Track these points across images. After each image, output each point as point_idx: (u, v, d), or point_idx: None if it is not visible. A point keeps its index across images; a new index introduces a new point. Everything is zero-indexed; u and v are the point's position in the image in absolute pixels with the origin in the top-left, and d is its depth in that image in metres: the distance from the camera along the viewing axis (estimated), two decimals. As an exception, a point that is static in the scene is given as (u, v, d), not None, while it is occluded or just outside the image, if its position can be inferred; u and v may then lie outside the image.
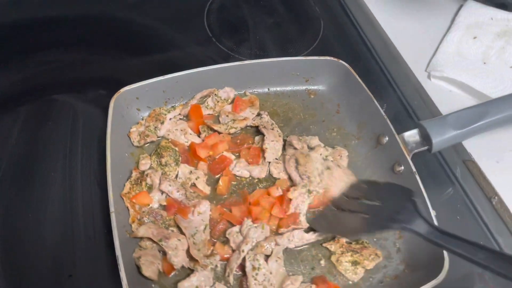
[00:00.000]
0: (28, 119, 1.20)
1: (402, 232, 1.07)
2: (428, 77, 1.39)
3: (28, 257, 0.98)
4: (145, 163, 1.11)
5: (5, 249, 0.98)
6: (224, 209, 1.06)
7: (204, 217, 1.03)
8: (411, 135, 1.14)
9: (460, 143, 1.25)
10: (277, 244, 1.01)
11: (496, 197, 1.17)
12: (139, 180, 1.07)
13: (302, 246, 1.04)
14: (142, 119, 1.18)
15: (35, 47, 1.37)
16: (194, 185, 1.10)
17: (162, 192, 1.07)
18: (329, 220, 0.90)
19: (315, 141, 1.21)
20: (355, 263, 1.01)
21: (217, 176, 1.13)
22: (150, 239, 0.98)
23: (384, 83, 1.40)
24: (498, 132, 1.24)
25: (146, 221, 1.02)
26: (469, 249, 0.72)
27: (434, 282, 0.92)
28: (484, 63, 1.40)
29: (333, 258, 1.02)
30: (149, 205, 1.05)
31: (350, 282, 1.01)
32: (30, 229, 1.02)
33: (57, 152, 1.15)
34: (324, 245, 1.04)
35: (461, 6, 1.57)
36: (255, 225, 1.03)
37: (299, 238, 1.03)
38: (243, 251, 0.98)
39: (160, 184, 1.06)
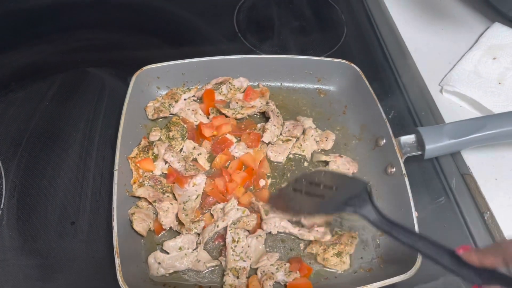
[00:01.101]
0: (62, 86, 1.34)
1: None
2: (441, 91, 1.41)
3: (39, 204, 1.11)
4: (155, 135, 1.22)
5: (21, 196, 1.11)
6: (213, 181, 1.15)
7: (198, 188, 1.12)
8: (407, 139, 1.18)
9: (461, 157, 1.26)
10: (261, 228, 1.08)
11: (488, 212, 1.17)
12: (146, 148, 1.17)
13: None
14: (160, 97, 1.30)
15: (76, 26, 1.53)
16: (195, 160, 1.19)
17: (166, 162, 1.17)
18: (286, 199, 0.95)
19: (309, 122, 1.27)
20: (339, 254, 1.06)
21: (217, 155, 1.22)
22: (146, 200, 1.08)
23: (395, 91, 1.44)
24: (501, 149, 1.25)
25: (146, 184, 1.12)
26: (410, 237, 0.79)
27: (403, 276, 0.96)
28: (499, 83, 1.40)
29: (319, 259, 1.06)
30: (152, 171, 1.15)
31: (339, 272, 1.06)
32: (47, 179, 1.15)
33: (82, 117, 1.28)
34: (307, 251, 1.08)
35: (487, 28, 1.58)
36: (238, 207, 1.10)
37: (283, 227, 1.09)
38: (217, 226, 1.06)
39: (164, 154, 1.16)
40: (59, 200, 1.12)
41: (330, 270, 1.06)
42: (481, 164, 1.25)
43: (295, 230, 1.08)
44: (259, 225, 1.08)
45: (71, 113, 1.29)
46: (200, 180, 1.12)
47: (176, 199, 1.10)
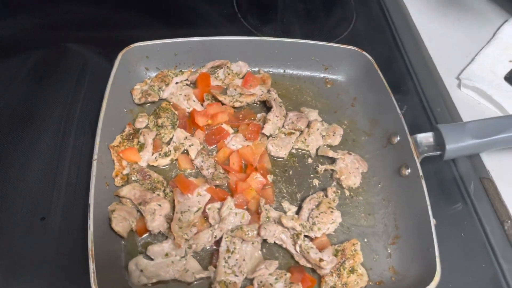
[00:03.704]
0: (38, 63, 1.20)
1: (396, 238, 1.00)
2: (458, 86, 1.29)
3: (5, 196, 0.97)
4: (142, 121, 1.08)
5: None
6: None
7: (202, 200, 0.97)
8: (425, 137, 1.06)
9: (479, 159, 1.15)
10: (258, 234, 0.95)
11: (509, 222, 1.06)
12: (131, 136, 1.04)
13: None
14: (149, 79, 1.15)
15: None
16: (186, 152, 1.06)
17: (153, 153, 1.04)
18: None
19: (314, 114, 1.15)
20: (353, 270, 0.93)
21: (211, 147, 1.09)
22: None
23: (408, 84, 1.33)
24: (524, 153, 1.14)
25: (133, 179, 0.98)
26: None
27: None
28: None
29: (339, 286, 0.92)
30: (136, 162, 1.01)
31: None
32: (15, 168, 1.01)
33: (59, 98, 1.14)
34: None
35: (505, 22, 1.46)
36: (236, 210, 0.96)
37: (281, 240, 0.95)
38: (215, 237, 0.93)
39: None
40: (29, 191, 0.98)
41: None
42: (502, 168, 1.14)
43: (292, 249, 0.95)
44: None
45: (47, 93, 1.14)
46: (206, 192, 0.98)
47: (167, 199, 0.96)
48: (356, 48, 1.22)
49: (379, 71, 1.17)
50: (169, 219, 0.93)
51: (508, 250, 1.03)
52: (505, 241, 1.04)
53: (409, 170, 1.03)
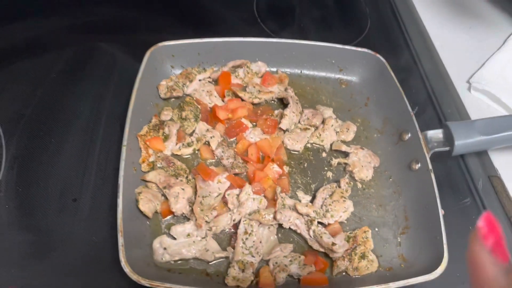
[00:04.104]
0: (71, 59, 1.28)
1: (405, 229, 1.04)
2: (468, 89, 1.34)
3: (40, 178, 1.04)
4: (167, 114, 1.15)
5: (22, 169, 1.04)
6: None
7: (221, 187, 1.03)
8: (435, 133, 1.11)
9: (488, 158, 1.19)
10: (274, 218, 1.00)
11: (516, 217, 1.10)
12: (157, 127, 1.11)
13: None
14: (174, 76, 1.23)
15: (88, 1, 1.46)
16: (207, 143, 1.12)
17: (176, 143, 1.10)
18: None
19: (328, 112, 1.20)
20: (363, 256, 0.98)
21: (230, 140, 1.15)
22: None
23: (420, 87, 1.38)
24: (532, 152, 1.18)
25: (158, 165, 1.05)
26: None
27: (428, 276, 0.89)
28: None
29: (351, 273, 0.96)
30: (161, 151, 1.08)
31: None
32: (49, 153, 1.08)
33: (90, 92, 1.21)
34: (335, 272, 0.96)
35: (516, 29, 1.52)
36: (254, 196, 1.02)
37: (296, 225, 1.00)
38: (234, 220, 0.99)
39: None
40: (62, 175, 1.05)
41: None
42: (510, 166, 1.18)
43: (306, 234, 1.00)
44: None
45: (79, 87, 1.22)
46: (225, 180, 1.05)
47: (189, 185, 1.03)
48: (370, 51, 1.28)
49: (392, 73, 1.23)
50: (191, 203, 1.00)
51: (514, 244, 1.07)
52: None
53: (419, 165, 1.08)
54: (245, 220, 0.98)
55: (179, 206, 0.98)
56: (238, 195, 1.02)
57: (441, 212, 0.98)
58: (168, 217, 1.00)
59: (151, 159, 1.06)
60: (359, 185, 1.12)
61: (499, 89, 1.31)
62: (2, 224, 0.96)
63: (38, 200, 1.00)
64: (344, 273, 0.97)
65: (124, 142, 1.00)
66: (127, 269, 0.83)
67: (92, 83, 1.24)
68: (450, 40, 1.48)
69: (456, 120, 1.27)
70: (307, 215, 1.00)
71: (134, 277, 0.82)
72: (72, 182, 1.04)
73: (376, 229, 1.05)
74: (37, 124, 1.12)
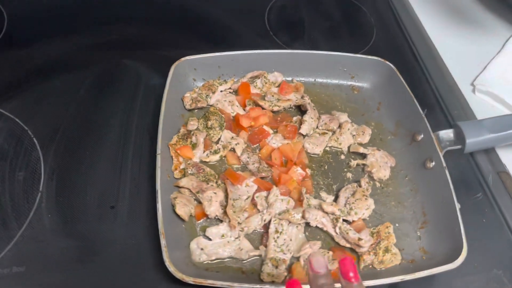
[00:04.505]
0: (99, 76, 1.35)
1: (424, 223, 1.11)
2: (472, 91, 1.42)
3: (78, 188, 1.10)
4: (193, 124, 1.22)
5: (60, 180, 1.10)
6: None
7: (250, 190, 1.10)
8: (446, 133, 1.18)
9: (496, 155, 1.26)
10: (302, 217, 1.07)
11: (526, 209, 1.17)
12: (185, 136, 1.17)
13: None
14: (197, 88, 1.30)
15: (110, 20, 1.54)
16: (233, 149, 1.19)
17: (204, 151, 1.17)
18: None
19: (344, 117, 1.28)
20: (387, 250, 1.04)
21: (253, 146, 1.22)
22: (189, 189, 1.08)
23: (427, 91, 1.46)
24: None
25: (189, 172, 1.12)
26: None
27: (450, 265, 0.95)
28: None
29: (377, 266, 1.02)
30: (191, 158, 1.15)
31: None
32: (85, 164, 1.14)
33: (118, 106, 1.28)
34: (362, 267, 1.02)
35: (512, 35, 1.61)
36: (282, 197, 1.09)
37: (322, 223, 1.06)
38: (265, 220, 1.05)
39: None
40: (98, 185, 1.11)
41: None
42: (517, 162, 1.25)
43: (332, 231, 1.06)
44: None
45: (107, 102, 1.29)
46: (253, 183, 1.11)
47: (219, 188, 1.09)
48: (379, 58, 1.36)
49: (401, 78, 1.31)
50: (223, 206, 1.06)
51: (527, 235, 1.14)
52: (524, 227, 1.15)
53: (433, 163, 1.15)
54: (275, 220, 1.04)
55: (213, 209, 1.04)
56: (266, 197, 1.09)
57: (457, 206, 1.04)
58: (202, 219, 1.07)
59: (182, 166, 1.13)
60: (378, 184, 1.19)
61: (502, 89, 1.39)
62: (45, 232, 1.01)
63: (78, 208, 1.06)
64: (370, 266, 1.03)
65: (158, 151, 1.07)
66: (171, 268, 0.88)
67: (120, 97, 1.31)
68: (452, 46, 1.57)
69: (463, 120, 1.34)
70: (333, 214, 1.06)
71: (179, 275, 0.88)
72: (109, 191, 1.10)
73: (397, 225, 1.11)
74: (71, 138, 1.18)
